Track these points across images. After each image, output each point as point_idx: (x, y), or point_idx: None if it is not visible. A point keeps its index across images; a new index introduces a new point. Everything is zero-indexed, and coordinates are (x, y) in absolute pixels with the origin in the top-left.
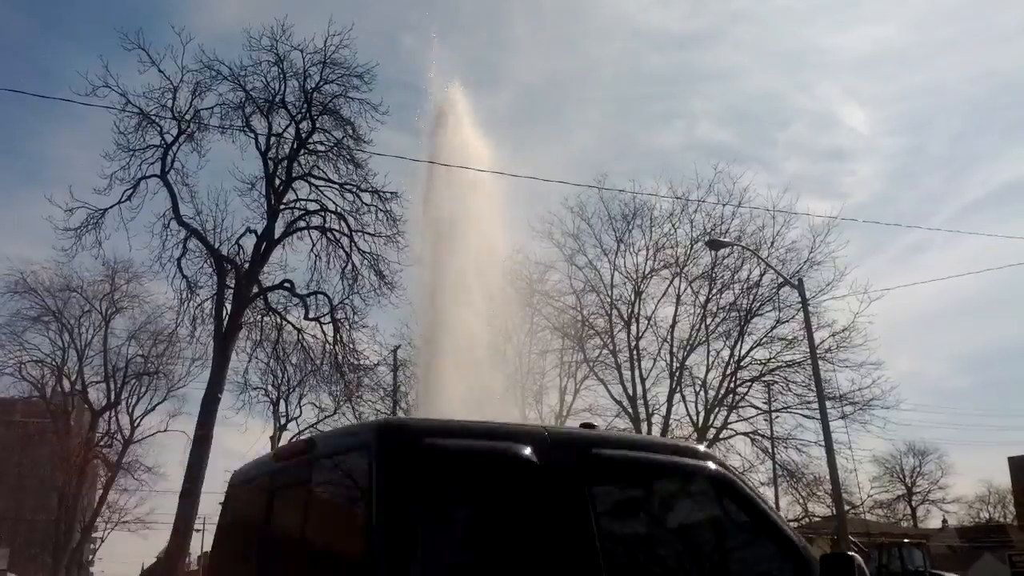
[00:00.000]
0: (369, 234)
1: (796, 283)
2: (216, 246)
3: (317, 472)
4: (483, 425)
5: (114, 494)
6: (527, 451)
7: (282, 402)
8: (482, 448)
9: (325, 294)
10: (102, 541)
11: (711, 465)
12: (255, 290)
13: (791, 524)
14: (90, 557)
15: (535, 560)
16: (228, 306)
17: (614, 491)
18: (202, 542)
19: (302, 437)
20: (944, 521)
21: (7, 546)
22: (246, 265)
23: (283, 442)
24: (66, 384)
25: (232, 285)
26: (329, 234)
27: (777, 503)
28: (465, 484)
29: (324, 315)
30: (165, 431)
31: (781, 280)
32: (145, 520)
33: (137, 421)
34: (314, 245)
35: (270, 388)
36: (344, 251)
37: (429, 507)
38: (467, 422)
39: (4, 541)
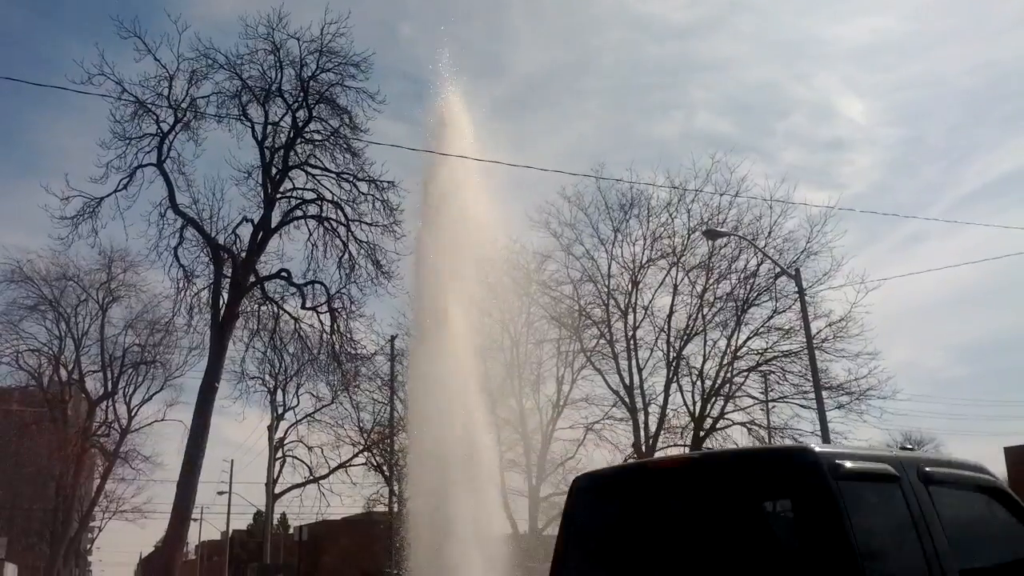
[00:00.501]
0: (366, 223)
1: (793, 273)
2: (213, 235)
3: (713, 487)
4: (861, 450)
5: (112, 483)
6: (891, 468)
7: (279, 391)
8: (869, 468)
9: (322, 283)
10: (100, 530)
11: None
12: (252, 279)
13: None
14: (88, 546)
15: (900, 552)
16: (225, 295)
17: (945, 498)
18: (199, 531)
19: (685, 453)
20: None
21: (5, 535)
22: (243, 254)
23: (280, 431)
24: (63, 373)
25: (229, 274)
26: (326, 223)
27: None
28: (864, 497)
29: (321, 304)
30: (162, 420)
31: (778, 270)
32: (143, 509)
33: (134, 410)
34: (311, 234)
35: (267, 377)
36: (341, 240)
37: (856, 519)
38: (849, 447)
39: (2, 530)
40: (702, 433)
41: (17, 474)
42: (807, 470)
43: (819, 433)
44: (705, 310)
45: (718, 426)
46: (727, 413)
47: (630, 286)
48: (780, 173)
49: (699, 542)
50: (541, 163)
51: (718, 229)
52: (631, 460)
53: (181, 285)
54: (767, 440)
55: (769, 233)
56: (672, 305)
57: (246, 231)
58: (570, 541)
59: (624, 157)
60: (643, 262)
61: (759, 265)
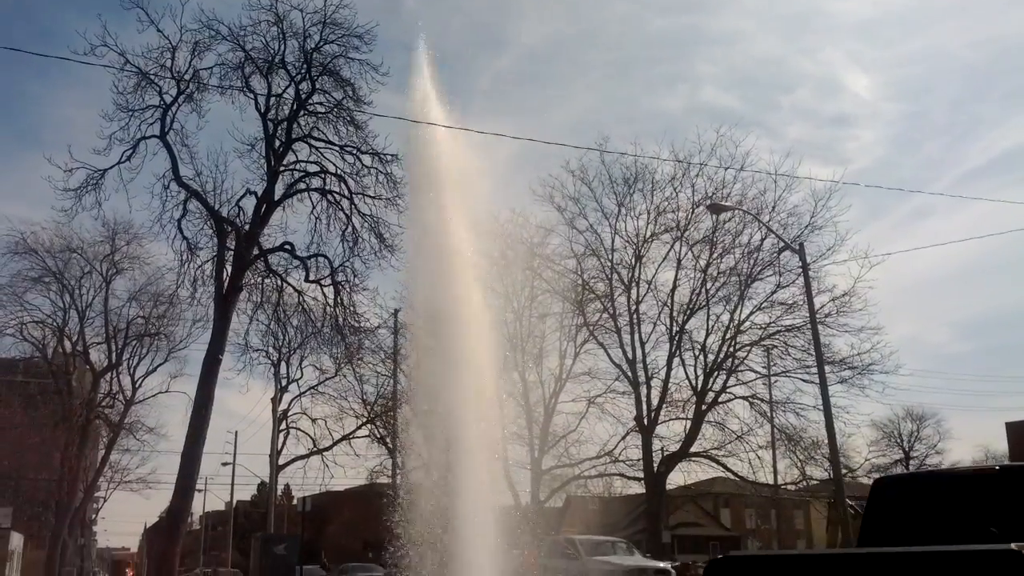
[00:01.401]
0: (369, 197)
1: (797, 248)
2: (216, 208)
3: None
4: None
5: (116, 454)
6: None
7: (283, 364)
8: None
9: (326, 256)
10: (105, 501)
11: None
12: (255, 252)
13: (788, 488)
14: (93, 516)
15: None
16: (228, 268)
17: None
18: (203, 502)
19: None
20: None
21: (10, 505)
22: (246, 227)
23: (284, 403)
24: (67, 345)
25: (232, 247)
26: (329, 196)
27: (775, 467)
28: None
29: (325, 277)
30: (166, 392)
31: (782, 245)
32: (147, 480)
33: (138, 382)
34: (314, 207)
35: (271, 350)
36: (344, 213)
37: None
38: None
39: (7, 500)
40: (704, 407)
41: (22, 445)
42: None
43: (820, 407)
44: (708, 284)
45: (720, 400)
46: (729, 387)
47: (633, 260)
48: (785, 148)
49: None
50: (545, 136)
51: (722, 203)
52: (926, 468)
53: (185, 257)
54: (769, 414)
55: (773, 208)
56: (675, 279)
57: (249, 204)
58: (871, 528)
59: (629, 131)
60: (647, 236)
61: (763, 240)
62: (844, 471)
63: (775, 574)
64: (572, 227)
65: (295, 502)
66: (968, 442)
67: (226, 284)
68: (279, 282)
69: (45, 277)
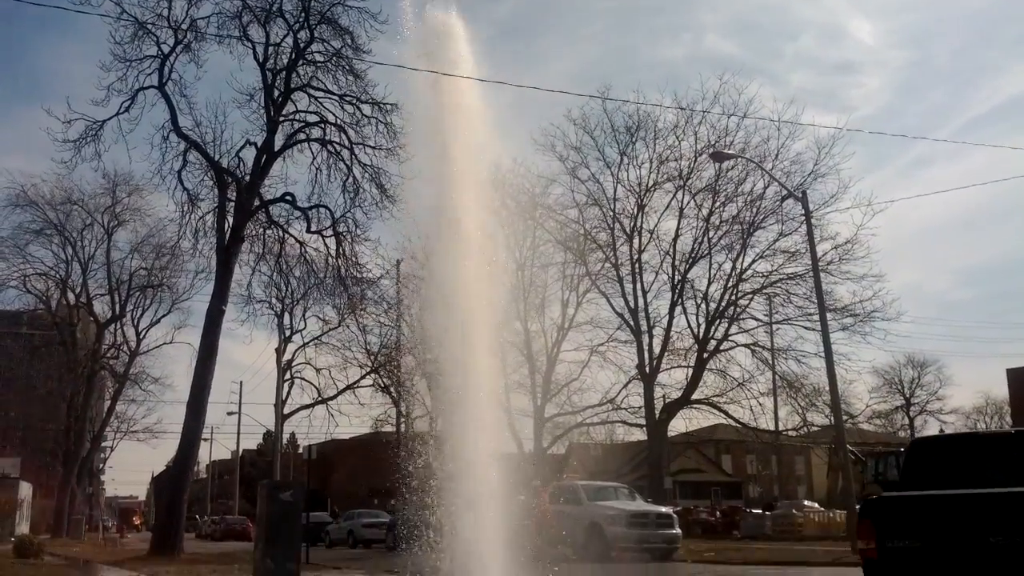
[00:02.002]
0: (370, 147)
1: (800, 195)
2: (216, 159)
3: None
4: None
5: (122, 405)
6: None
7: (286, 315)
8: None
9: (327, 207)
10: (112, 450)
11: None
12: (256, 203)
13: (789, 434)
14: (100, 465)
15: None
16: (230, 219)
17: None
18: (210, 451)
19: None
20: (941, 431)
21: (18, 455)
22: (247, 178)
23: (287, 354)
24: (71, 297)
25: (233, 198)
26: (329, 147)
27: (776, 413)
28: None
29: (326, 228)
30: (171, 343)
31: (785, 192)
32: (153, 430)
33: (143, 333)
34: (314, 158)
35: (274, 301)
36: (345, 164)
37: None
38: None
39: (15, 450)
40: (705, 355)
41: (29, 395)
42: None
43: (822, 355)
44: (711, 233)
45: (722, 348)
46: (731, 335)
47: (636, 209)
48: (788, 96)
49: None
50: (546, 85)
51: (725, 151)
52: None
53: (186, 209)
54: (771, 362)
55: (776, 156)
56: (678, 228)
57: (249, 155)
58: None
59: (631, 80)
60: (649, 185)
61: (766, 188)
62: (845, 418)
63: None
64: (574, 176)
65: (301, 451)
66: (969, 388)
67: (227, 235)
68: (281, 233)
69: (47, 229)
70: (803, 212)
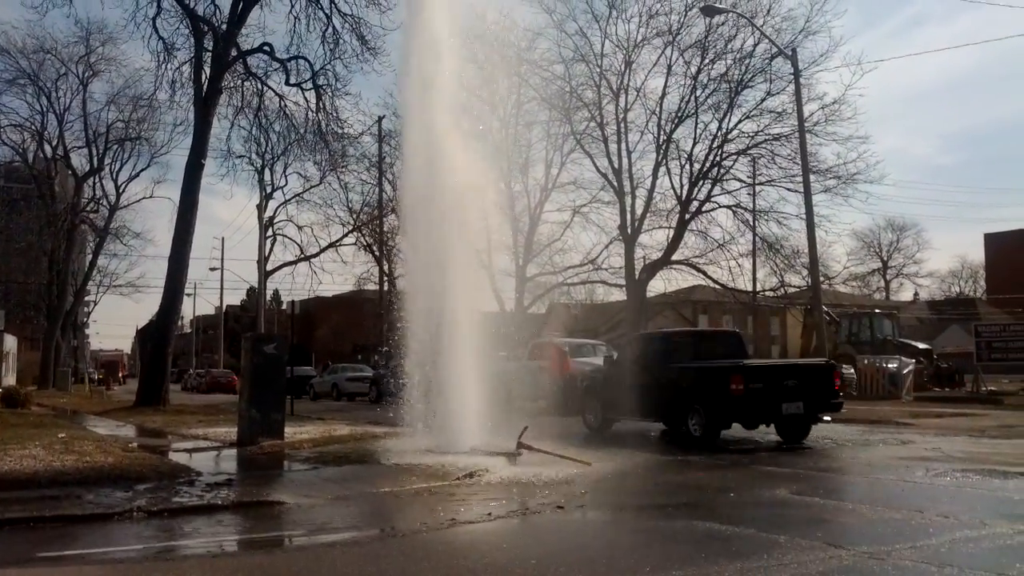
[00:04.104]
0: None
1: (789, 53)
2: (192, 5)
3: None
4: None
5: (104, 259)
6: None
7: (267, 171)
8: None
9: (306, 59)
10: (95, 304)
11: None
12: (234, 53)
13: (767, 295)
14: (84, 319)
15: None
16: (207, 70)
17: None
18: (193, 306)
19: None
20: (916, 294)
21: (2, 308)
22: (223, 26)
23: (269, 211)
24: (47, 149)
25: (210, 48)
26: None
27: (754, 274)
28: None
29: (306, 81)
30: (151, 198)
31: (775, 50)
32: (136, 284)
33: (122, 187)
34: (293, 6)
35: (254, 156)
36: (324, 13)
37: None
38: None
39: None
40: (688, 216)
41: (9, 249)
42: None
43: (803, 216)
44: (698, 92)
45: (704, 209)
46: (714, 196)
47: (623, 66)
48: None
49: None
50: None
51: (716, 5)
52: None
53: (161, 59)
54: (752, 223)
55: (768, 11)
56: (665, 87)
57: (226, 2)
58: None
59: None
60: (638, 41)
61: (755, 45)
62: (822, 279)
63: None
64: (561, 31)
65: (284, 307)
66: (947, 253)
67: (205, 87)
68: (259, 85)
69: (20, 79)
70: (792, 71)
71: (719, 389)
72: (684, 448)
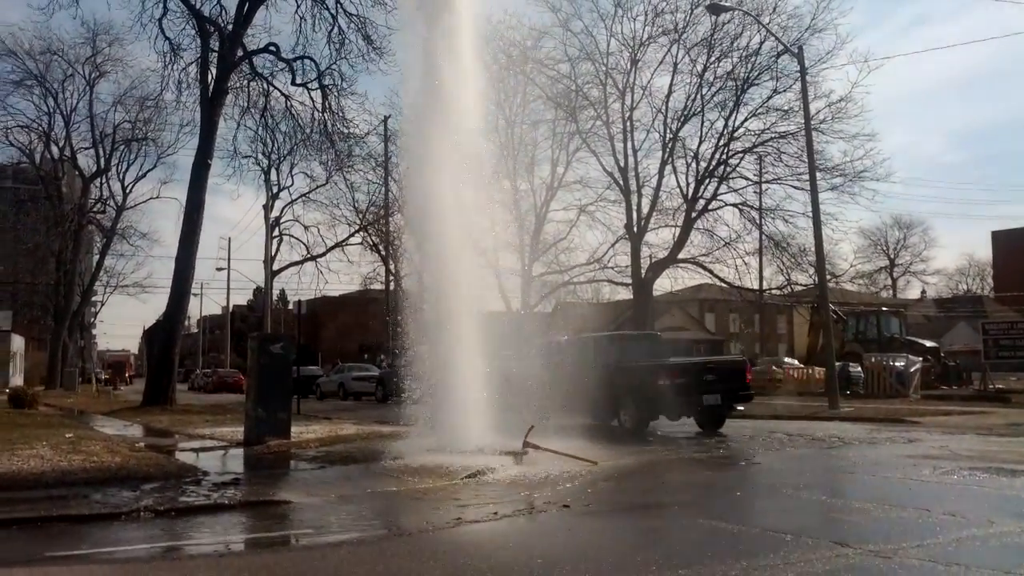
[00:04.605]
0: None
1: (796, 51)
2: (198, 6)
3: None
4: None
5: (111, 259)
6: None
7: (273, 171)
8: None
9: (312, 59)
10: (102, 304)
11: None
12: (240, 53)
13: (773, 293)
14: (91, 320)
15: None
16: (213, 70)
17: None
18: (200, 306)
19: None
20: (923, 292)
21: (9, 308)
22: (229, 27)
23: (275, 211)
24: (54, 150)
25: (216, 48)
26: None
27: (761, 272)
28: None
29: (311, 81)
30: (158, 198)
31: (781, 48)
32: (143, 284)
33: (129, 188)
34: (299, 6)
35: (260, 156)
36: (330, 13)
37: None
38: None
39: (5, 304)
40: (694, 214)
41: (16, 249)
42: None
43: (810, 214)
44: (704, 90)
45: (710, 207)
46: (720, 194)
47: (629, 65)
48: None
49: None
50: None
51: (722, 3)
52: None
53: (168, 59)
54: (758, 221)
55: (774, 9)
56: (671, 85)
57: (232, 2)
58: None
59: None
60: (643, 39)
61: (762, 43)
62: (829, 277)
63: None
64: (567, 29)
65: (291, 307)
66: (954, 250)
67: (211, 87)
68: (265, 86)
69: (27, 80)
70: (798, 68)
71: (646, 385)
72: (690, 447)
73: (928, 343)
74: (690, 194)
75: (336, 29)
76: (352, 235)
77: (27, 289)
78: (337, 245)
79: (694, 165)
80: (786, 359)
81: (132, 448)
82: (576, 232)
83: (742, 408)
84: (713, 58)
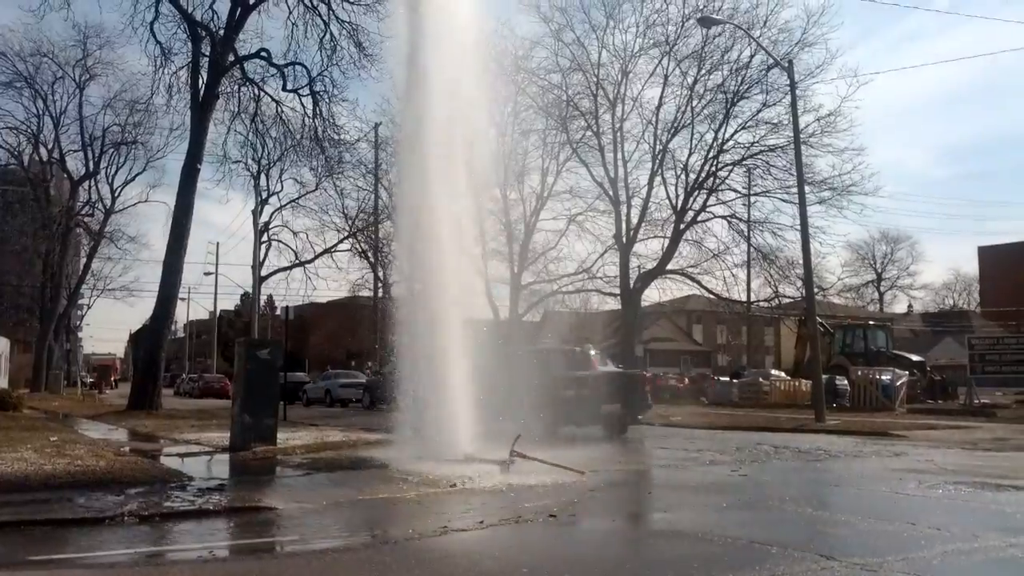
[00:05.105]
0: (348, 2)
1: (786, 65)
2: (190, 11)
3: None
4: None
5: (98, 263)
6: None
7: (263, 176)
8: None
9: (303, 65)
10: (89, 308)
11: None
12: (231, 59)
13: (761, 305)
14: (78, 323)
15: None
16: (204, 75)
17: None
18: (187, 311)
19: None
20: (910, 306)
21: None
22: (221, 32)
23: (264, 216)
24: (43, 152)
25: (207, 53)
26: (305, 0)
27: (749, 285)
28: None
29: (303, 87)
30: (146, 202)
31: (771, 61)
32: (130, 288)
33: (117, 191)
34: (290, 12)
35: (250, 162)
36: (322, 19)
37: None
38: None
39: None
40: (683, 226)
41: (3, 251)
42: None
43: (798, 227)
44: (694, 102)
45: (699, 219)
46: (709, 206)
47: (620, 76)
48: None
49: None
50: None
51: (713, 16)
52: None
53: (159, 63)
54: (747, 233)
55: (765, 23)
56: (661, 96)
57: (223, 7)
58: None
59: None
60: (635, 51)
61: (752, 56)
62: (817, 290)
63: None
64: (558, 40)
65: (279, 312)
66: (941, 265)
67: (202, 92)
68: (256, 91)
69: (16, 82)
70: (788, 82)
71: (554, 395)
72: (678, 458)
73: (914, 357)
74: (679, 206)
75: (328, 35)
76: (341, 241)
77: (13, 291)
78: (326, 251)
79: (683, 177)
80: (773, 371)
81: (117, 452)
82: (565, 242)
83: (642, 417)
84: (704, 71)
